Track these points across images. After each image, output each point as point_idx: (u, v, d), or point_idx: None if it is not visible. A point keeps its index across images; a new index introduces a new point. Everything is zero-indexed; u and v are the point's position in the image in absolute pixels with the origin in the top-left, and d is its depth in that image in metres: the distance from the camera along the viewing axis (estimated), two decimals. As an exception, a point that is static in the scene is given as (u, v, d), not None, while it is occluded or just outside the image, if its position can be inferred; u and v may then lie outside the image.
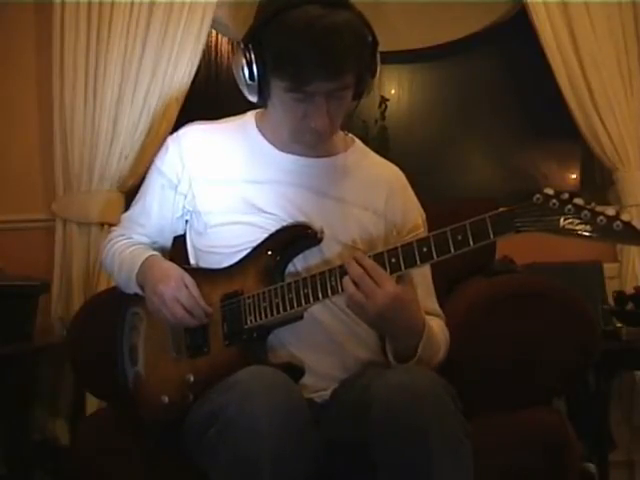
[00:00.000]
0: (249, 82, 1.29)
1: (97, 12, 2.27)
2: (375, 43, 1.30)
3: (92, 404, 2.09)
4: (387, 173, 1.50)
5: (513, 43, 2.64)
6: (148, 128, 2.28)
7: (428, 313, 1.36)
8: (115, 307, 1.50)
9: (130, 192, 2.29)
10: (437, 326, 1.36)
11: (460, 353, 1.38)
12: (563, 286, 1.47)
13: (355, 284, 1.19)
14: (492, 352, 1.43)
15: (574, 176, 2.73)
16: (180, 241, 1.52)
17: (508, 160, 2.75)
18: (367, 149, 1.52)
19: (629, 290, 2.14)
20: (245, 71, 1.28)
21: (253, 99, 1.34)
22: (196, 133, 1.46)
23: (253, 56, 1.27)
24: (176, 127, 2.20)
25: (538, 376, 1.44)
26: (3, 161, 2.45)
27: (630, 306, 2.08)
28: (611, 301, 2.18)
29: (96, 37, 2.27)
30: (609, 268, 2.34)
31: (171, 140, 1.46)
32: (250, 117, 1.47)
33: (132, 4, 2.27)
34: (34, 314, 2.13)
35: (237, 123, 1.47)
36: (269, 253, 1.33)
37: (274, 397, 1.11)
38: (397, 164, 1.55)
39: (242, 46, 1.29)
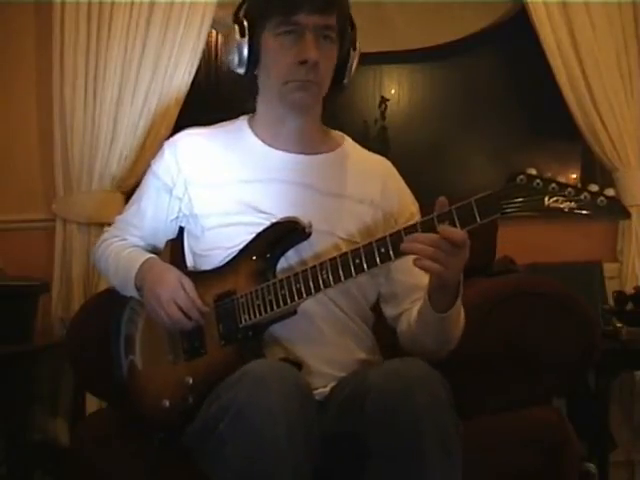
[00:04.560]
0: (241, 44, 1.35)
1: (97, 12, 2.26)
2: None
3: (92, 404, 2.09)
4: (379, 166, 1.52)
5: (513, 43, 2.64)
6: (148, 128, 2.27)
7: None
8: (115, 307, 1.50)
9: (130, 192, 2.28)
10: None
11: (460, 353, 1.38)
12: (563, 286, 1.47)
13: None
14: (492, 352, 1.43)
15: (574, 176, 2.73)
16: (177, 246, 1.52)
17: (508, 160, 2.75)
18: (357, 145, 1.54)
19: (629, 290, 2.15)
20: (236, 31, 1.36)
21: (241, 67, 1.38)
22: (191, 137, 1.48)
23: (244, 19, 1.36)
24: (176, 127, 2.25)
25: (538, 376, 1.44)
26: (3, 161, 2.45)
27: (630, 306, 2.09)
28: (611, 301, 2.19)
29: (96, 37, 2.27)
30: (609, 268, 2.34)
31: (167, 145, 1.49)
32: (242, 120, 1.50)
33: (132, 4, 2.26)
34: (34, 314, 2.13)
35: (230, 127, 1.50)
36: (258, 251, 1.34)
37: (285, 384, 1.12)
38: (397, 164, 1.56)
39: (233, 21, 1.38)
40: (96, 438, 1.50)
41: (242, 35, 1.36)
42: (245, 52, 1.36)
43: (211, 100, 2.62)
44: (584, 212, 1.10)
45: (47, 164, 2.38)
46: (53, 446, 2.24)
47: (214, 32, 2.64)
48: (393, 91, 2.74)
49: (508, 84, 2.76)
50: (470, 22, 2.58)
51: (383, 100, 2.64)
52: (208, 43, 2.56)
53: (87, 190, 2.29)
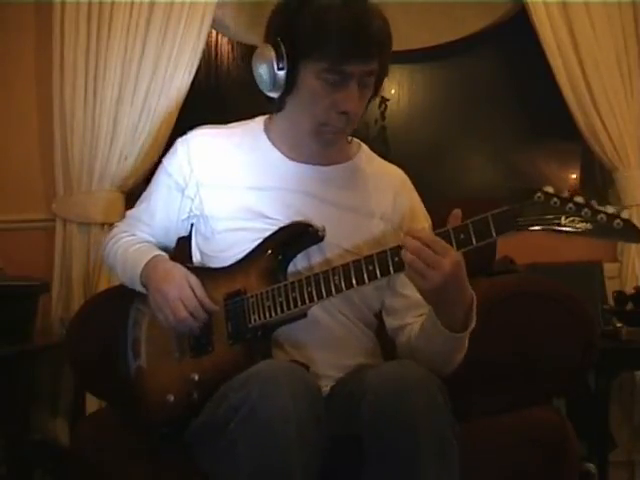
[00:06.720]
0: (277, 72, 1.28)
1: (97, 12, 2.27)
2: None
3: (92, 404, 2.09)
4: (393, 178, 1.49)
5: (513, 43, 2.64)
6: (148, 128, 2.27)
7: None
8: (115, 307, 1.50)
9: (130, 192, 2.30)
10: None
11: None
12: (563, 286, 1.47)
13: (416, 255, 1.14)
14: (492, 352, 1.43)
15: (574, 176, 2.73)
16: (184, 242, 1.52)
17: (508, 160, 2.75)
18: (373, 154, 1.51)
19: (629, 290, 2.15)
20: (274, 61, 1.28)
21: (275, 92, 1.32)
22: (205, 137, 1.45)
23: (284, 45, 1.27)
24: (176, 127, 2.25)
25: (538, 376, 1.44)
26: (3, 161, 2.45)
27: (630, 306, 2.09)
28: (611, 301, 2.19)
29: (96, 37, 2.27)
30: (609, 268, 2.34)
31: (180, 143, 1.46)
32: (258, 122, 1.47)
33: (132, 4, 2.27)
34: (34, 314, 2.13)
35: (245, 128, 1.47)
36: (270, 252, 1.34)
37: (295, 383, 1.13)
38: (397, 164, 1.55)
39: (269, 41, 1.30)
40: (96, 438, 1.50)
41: (280, 66, 1.28)
42: (282, 81, 1.29)
43: (211, 100, 2.62)
44: (599, 234, 1.08)
45: (47, 164, 2.38)
46: (53, 446, 2.24)
47: (214, 32, 2.64)
48: (393, 91, 2.74)
49: (508, 84, 2.75)
50: (470, 22, 2.58)
51: (383, 100, 2.64)
52: (208, 43, 2.56)
53: (87, 190, 2.29)
